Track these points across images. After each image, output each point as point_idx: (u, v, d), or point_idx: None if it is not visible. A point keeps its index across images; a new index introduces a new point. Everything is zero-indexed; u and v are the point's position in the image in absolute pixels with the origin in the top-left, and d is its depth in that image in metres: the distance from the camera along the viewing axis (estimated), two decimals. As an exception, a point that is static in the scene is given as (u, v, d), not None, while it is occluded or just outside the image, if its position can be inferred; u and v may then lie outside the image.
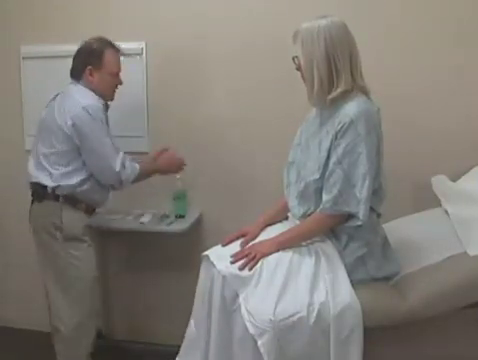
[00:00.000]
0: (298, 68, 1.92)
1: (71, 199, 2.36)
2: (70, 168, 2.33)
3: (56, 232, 2.35)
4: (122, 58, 2.48)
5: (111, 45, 2.42)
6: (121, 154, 2.35)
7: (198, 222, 2.82)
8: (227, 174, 2.79)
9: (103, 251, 2.90)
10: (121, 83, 2.47)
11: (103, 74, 2.38)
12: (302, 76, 1.92)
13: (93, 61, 2.37)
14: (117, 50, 2.44)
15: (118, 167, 2.32)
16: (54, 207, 2.36)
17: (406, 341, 1.84)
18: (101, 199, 2.48)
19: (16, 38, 2.93)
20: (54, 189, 2.33)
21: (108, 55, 2.39)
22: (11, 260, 3.15)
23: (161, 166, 2.54)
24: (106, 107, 2.44)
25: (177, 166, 2.58)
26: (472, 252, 1.88)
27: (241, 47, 2.68)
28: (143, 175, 2.45)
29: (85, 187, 2.36)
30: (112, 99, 2.48)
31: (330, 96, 1.85)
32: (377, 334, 1.79)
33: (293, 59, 1.91)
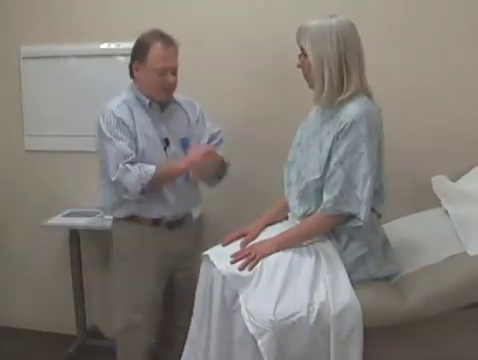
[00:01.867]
0: (300, 65, 1.90)
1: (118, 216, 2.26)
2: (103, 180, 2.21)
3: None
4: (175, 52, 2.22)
5: (161, 38, 2.17)
6: (127, 158, 2.09)
7: (198, 222, 2.81)
8: (227, 174, 2.79)
9: (103, 250, 2.89)
10: (171, 82, 2.21)
11: (148, 70, 2.17)
12: (304, 74, 1.90)
13: (139, 55, 2.19)
14: (169, 44, 2.18)
15: (112, 175, 2.09)
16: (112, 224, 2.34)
17: (406, 341, 1.84)
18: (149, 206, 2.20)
19: (16, 38, 2.93)
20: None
21: (154, 49, 2.15)
22: (12, 260, 3.15)
23: (183, 162, 2.17)
24: (158, 105, 2.24)
25: (199, 162, 2.15)
26: (472, 252, 1.88)
27: (241, 47, 2.68)
28: (163, 176, 2.15)
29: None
30: (163, 100, 2.24)
31: (340, 98, 1.82)
32: (377, 334, 1.79)
33: (299, 56, 1.89)
